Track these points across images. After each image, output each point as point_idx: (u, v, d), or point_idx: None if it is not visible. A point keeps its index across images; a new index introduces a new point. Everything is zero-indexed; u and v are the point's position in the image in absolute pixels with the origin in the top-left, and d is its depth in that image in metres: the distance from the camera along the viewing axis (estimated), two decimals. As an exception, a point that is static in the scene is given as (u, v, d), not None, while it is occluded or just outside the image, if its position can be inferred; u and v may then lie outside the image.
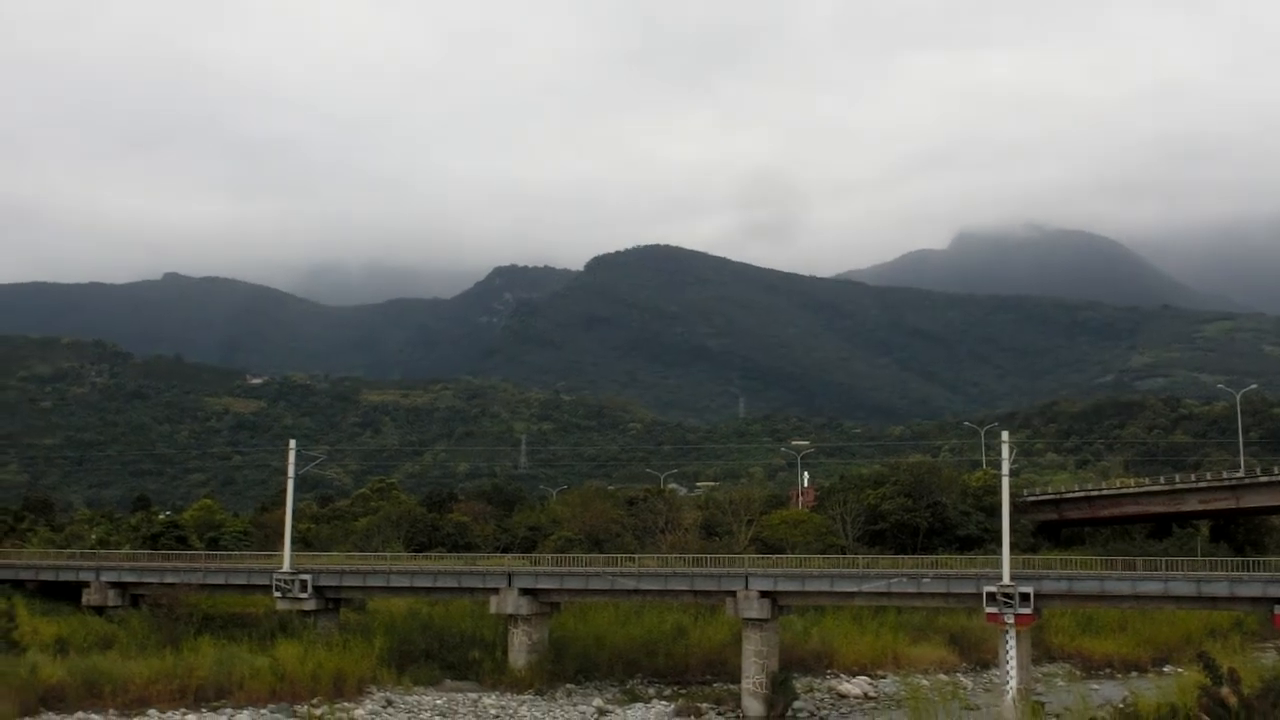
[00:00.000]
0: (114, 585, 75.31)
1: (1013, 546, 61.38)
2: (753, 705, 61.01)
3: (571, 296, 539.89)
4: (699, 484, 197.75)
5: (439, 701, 60.39)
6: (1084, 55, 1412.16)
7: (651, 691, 65.23)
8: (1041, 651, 74.41)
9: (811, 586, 64.43)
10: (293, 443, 76.23)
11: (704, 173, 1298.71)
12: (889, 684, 67.75)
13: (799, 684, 65.32)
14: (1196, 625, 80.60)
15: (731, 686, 64.18)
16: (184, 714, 54.32)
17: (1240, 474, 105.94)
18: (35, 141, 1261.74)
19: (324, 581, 71.09)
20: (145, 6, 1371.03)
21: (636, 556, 76.10)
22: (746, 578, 63.78)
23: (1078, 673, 74.67)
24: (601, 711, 60.09)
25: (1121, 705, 20.65)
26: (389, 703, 59.43)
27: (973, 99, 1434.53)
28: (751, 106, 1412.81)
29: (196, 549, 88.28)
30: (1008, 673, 57.96)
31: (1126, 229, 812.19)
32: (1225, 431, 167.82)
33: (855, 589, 63.99)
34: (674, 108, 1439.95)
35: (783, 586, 63.80)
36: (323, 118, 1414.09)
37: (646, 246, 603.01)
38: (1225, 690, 13.25)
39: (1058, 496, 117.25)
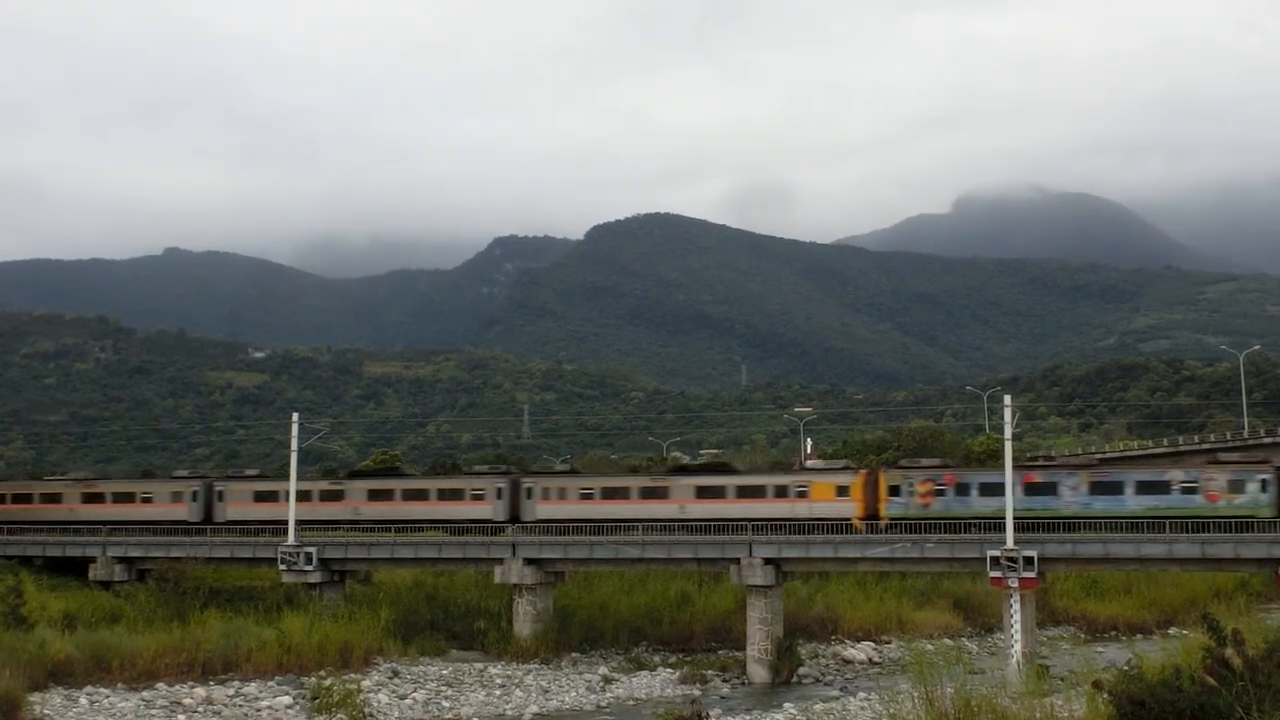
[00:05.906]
0: (120, 560, 75.52)
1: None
2: (758, 672, 61.25)
3: (572, 266, 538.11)
4: (702, 452, 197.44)
5: (445, 671, 60.66)
6: (1086, 14, 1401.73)
7: (657, 659, 65.49)
8: (1046, 615, 74.62)
9: (815, 553, 64.57)
10: (296, 416, 76.23)
11: (704, 137, 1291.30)
12: (893, 649, 68.00)
13: (804, 650, 65.60)
14: (1201, 587, 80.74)
15: (737, 653, 64.43)
16: (192, 687, 54.55)
17: (1244, 435, 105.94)
18: (34, 116, 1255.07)
19: (329, 554, 71.23)
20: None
21: (640, 524, 76.08)
22: (750, 545, 63.88)
23: (1082, 636, 75.01)
24: (607, 680, 60.35)
25: (1126, 667, 20.61)
26: (395, 673, 59.70)
27: (974, 60, 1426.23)
28: (752, 69, 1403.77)
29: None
30: (1012, 636, 58.10)
31: (1129, 190, 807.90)
32: (1229, 393, 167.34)
33: (859, 554, 64.15)
34: (674, 71, 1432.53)
35: (786, 553, 63.92)
36: (323, 88, 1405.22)
37: (646, 214, 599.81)
38: (1229, 651, 13.22)
39: (1062, 460, 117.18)
